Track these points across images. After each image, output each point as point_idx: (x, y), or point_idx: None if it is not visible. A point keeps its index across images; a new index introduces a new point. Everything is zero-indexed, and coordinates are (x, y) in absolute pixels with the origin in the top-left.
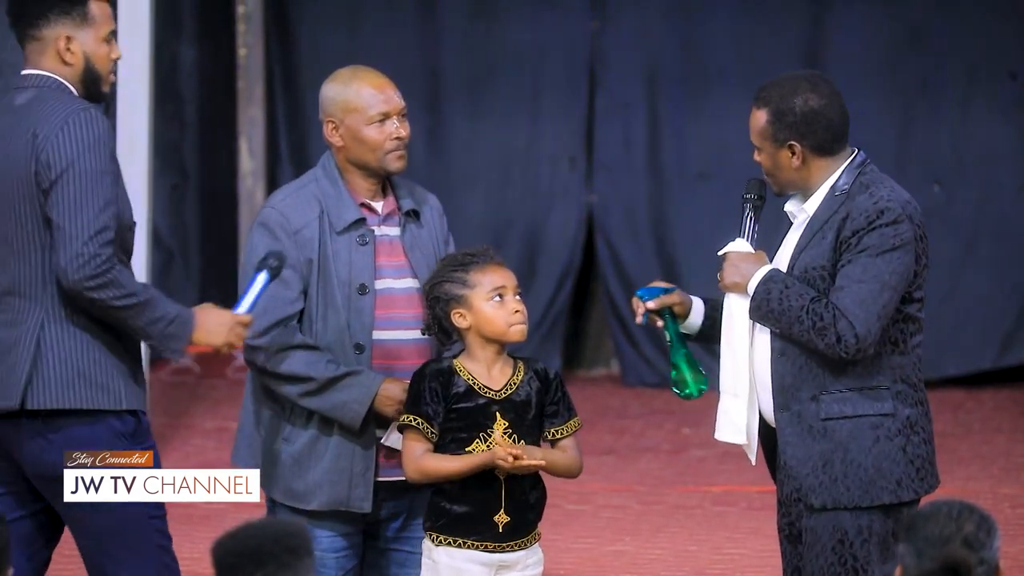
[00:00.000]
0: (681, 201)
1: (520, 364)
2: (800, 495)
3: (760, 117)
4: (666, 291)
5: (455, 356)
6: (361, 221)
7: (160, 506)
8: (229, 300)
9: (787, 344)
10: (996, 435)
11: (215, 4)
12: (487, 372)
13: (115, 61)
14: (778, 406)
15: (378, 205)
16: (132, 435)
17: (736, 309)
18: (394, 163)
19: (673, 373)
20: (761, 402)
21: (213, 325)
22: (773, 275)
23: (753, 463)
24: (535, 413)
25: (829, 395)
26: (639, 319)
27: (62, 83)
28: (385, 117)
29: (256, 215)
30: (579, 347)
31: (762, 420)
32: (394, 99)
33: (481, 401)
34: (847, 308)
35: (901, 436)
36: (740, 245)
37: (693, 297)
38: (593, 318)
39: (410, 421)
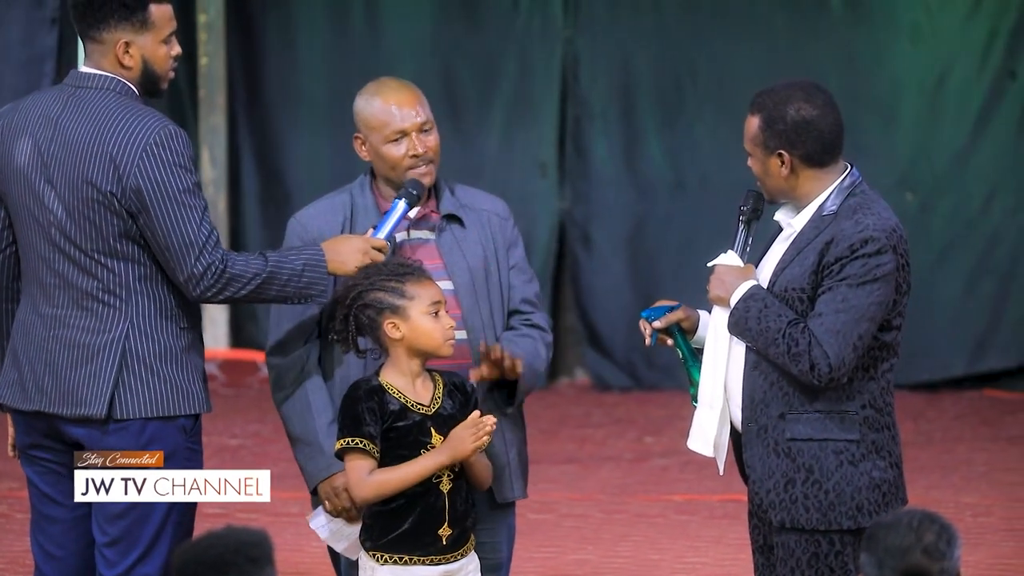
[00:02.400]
0: (655, 210)
1: (437, 377)
2: (761, 511)
3: (753, 123)
4: (671, 308)
5: (377, 373)
6: None
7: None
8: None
9: (761, 358)
10: (957, 444)
11: (176, 13)
12: (412, 387)
13: (175, 58)
14: (746, 418)
15: (412, 211)
16: (191, 433)
17: (719, 322)
18: (419, 180)
19: (692, 389)
20: (732, 412)
21: (345, 253)
22: (754, 292)
23: (721, 473)
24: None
25: (796, 415)
26: (648, 341)
27: (125, 85)
28: (402, 135)
29: (217, 224)
30: None
31: (734, 429)
32: (410, 116)
33: (416, 418)
34: (823, 337)
35: (867, 461)
36: (730, 258)
37: (702, 311)
38: (559, 327)
39: (356, 444)
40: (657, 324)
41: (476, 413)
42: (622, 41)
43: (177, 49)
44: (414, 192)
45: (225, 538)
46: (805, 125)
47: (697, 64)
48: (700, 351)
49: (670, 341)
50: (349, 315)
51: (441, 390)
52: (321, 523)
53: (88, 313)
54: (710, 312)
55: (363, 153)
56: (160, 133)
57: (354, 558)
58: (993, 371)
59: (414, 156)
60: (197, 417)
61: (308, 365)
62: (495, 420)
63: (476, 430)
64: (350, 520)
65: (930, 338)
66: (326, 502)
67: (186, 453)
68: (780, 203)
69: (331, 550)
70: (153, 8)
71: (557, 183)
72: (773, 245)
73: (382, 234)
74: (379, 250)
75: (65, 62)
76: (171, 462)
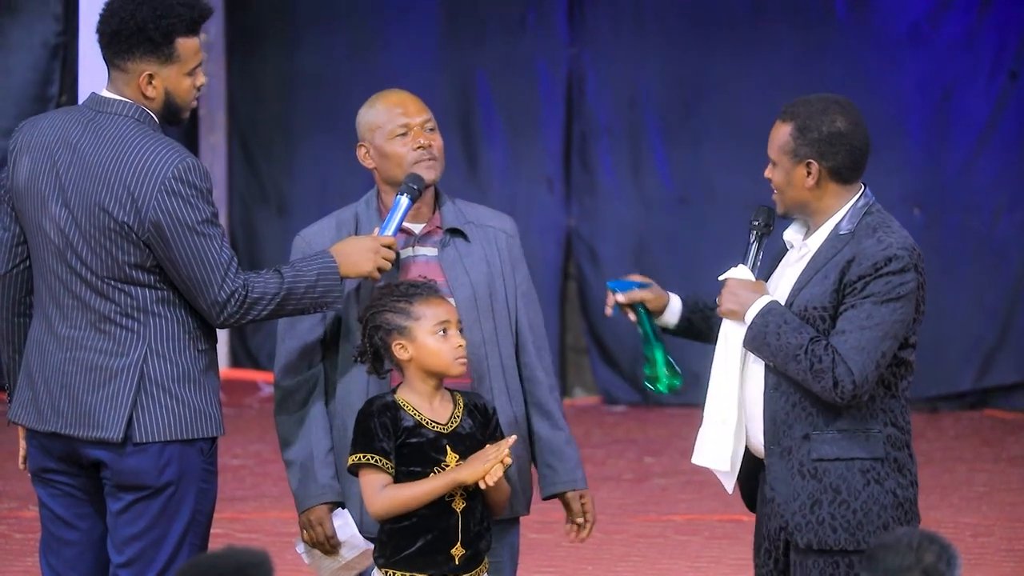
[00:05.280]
0: (660, 225)
1: (458, 397)
2: (787, 533)
3: (783, 131)
4: (641, 285)
5: (394, 391)
6: None
7: (206, 512)
8: None
9: (781, 379)
10: (957, 464)
11: None
12: (429, 406)
13: (199, 88)
14: (769, 441)
15: (416, 227)
16: (208, 455)
17: (731, 336)
18: (424, 172)
19: (646, 368)
20: (749, 433)
21: (357, 256)
22: (772, 307)
23: (730, 492)
24: (478, 447)
25: (821, 435)
26: (608, 311)
27: (145, 112)
28: (406, 129)
29: None
30: None
31: (746, 451)
32: (413, 112)
33: (431, 435)
34: (847, 353)
35: (891, 480)
36: (741, 272)
37: (674, 295)
38: (563, 346)
39: (367, 460)
40: (620, 298)
41: (504, 443)
42: (627, 57)
43: (202, 79)
44: (414, 186)
45: (225, 558)
46: (840, 137)
47: (702, 79)
48: (667, 331)
49: (633, 316)
50: (365, 337)
51: (461, 409)
52: (303, 549)
53: (106, 336)
54: (682, 299)
55: (368, 161)
56: (179, 166)
57: None
58: (1001, 385)
59: (419, 148)
60: (214, 439)
61: (314, 390)
62: (515, 439)
63: (496, 454)
64: (325, 553)
65: (938, 352)
66: (303, 531)
67: (203, 475)
68: (792, 219)
69: None
70: (180, 41)
71: (564, 198)
72: (780, 266)
73: (389, 231)
74: (389, 247)
75: (69, 86)
76: (189, 484)
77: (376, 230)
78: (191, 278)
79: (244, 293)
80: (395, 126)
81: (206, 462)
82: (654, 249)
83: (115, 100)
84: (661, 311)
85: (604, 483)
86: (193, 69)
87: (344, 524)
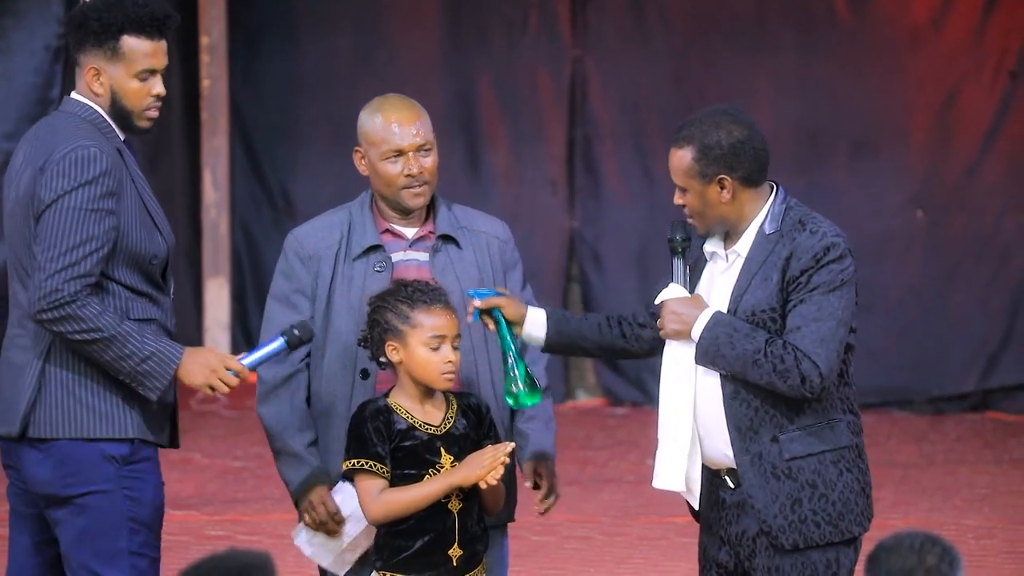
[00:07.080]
0: (664, 228)
1: (451, 398)
2: (769, 537)
3: (684, 156)
4: (500, 294)
5: (386, 395)
6: (378, 248)
7: (146, 520)
8: (189, 334)
9: (739, 386)
10: (959, 466)
11: (180, 35)
12: (421, 408)
13: (156, 97)
14: (737, 449)
15: (409, 231)
16: (124, 460)
17: (681, 356)
18: (409, 200)
19: (506, 382)
20: (705, 447)
21: (195, 365)
22: (718, 319)
23: (696, 508)
24: (473, 447)
25: (789, 434)
26: (469, 318)
27: (96, 113)
28: (399, 153)
29: (219, 246)
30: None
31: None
32: (409, 135)
33: (424, 438)
34: (808, 348)
35: (855, 467)
36: (675, 291)
37: (538, 310)
38: None
39: (361, 465)
40: (477, 303)
41: (504, 445)
42: (630, 60)
43: (158, 89)
44: (297, 334)
45: (228, 560)
46: (741, 145)
47: (705, 82)
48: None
49: (492, 326)
50: (367, 325)
51: (454, 411)
52: (304, 539)
53: (25, 331)
54: (548, 315)
55: (362, 167)
56: (79, 153)
57: (341, 575)
58: (1004, 387)
59: (409, 176)
60: (134, 442)
61: (297, 386)
62: (513, 446)
63: (494, 455)
64: (330, 534)
65: (941, 354)
66: (305, 515)
67: (124, 482)
68: (712, 234)
69: (321, 571)
70: (127, 39)
71: (567, 201)
72: (705, 277)
73: (249, 360)
74: (236, 372)
75: (70, 88)
76: (105, 492)
77: (243, 354)
78: (35, 256)
79: (67, 301)
80: (387, 148)
81: (126, 468)
82: (657, 252)
83: (73, 100)
84: (520, 322)
85: (606, 485)
86: (144, 73)
87: (346, 498)
